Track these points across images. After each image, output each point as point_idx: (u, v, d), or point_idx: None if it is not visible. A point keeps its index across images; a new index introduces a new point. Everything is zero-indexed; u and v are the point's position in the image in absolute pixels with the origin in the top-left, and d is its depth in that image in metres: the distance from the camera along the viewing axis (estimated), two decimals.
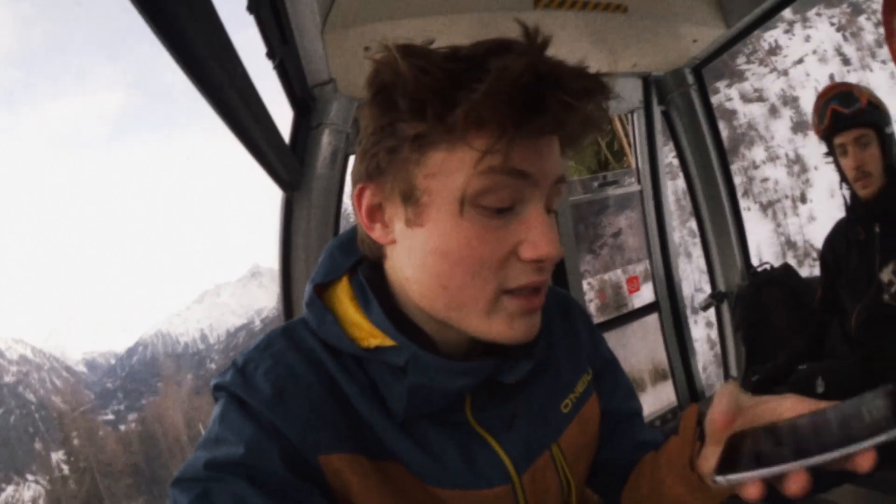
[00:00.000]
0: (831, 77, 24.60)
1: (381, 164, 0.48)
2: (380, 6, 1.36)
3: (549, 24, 1.48)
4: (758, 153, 26.69)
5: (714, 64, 2.19)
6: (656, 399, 2.30)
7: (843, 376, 1.53)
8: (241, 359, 0.52)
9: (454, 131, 0.44)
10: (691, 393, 2.34)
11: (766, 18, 1.84)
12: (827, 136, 1.57)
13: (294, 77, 1.32)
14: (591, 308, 2.43)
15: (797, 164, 24.92)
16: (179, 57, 0.67)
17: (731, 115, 27.38)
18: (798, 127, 25.18)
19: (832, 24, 26.17)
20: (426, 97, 0.43)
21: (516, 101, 0.42)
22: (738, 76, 28.16)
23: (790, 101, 26.31)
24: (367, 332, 0.51)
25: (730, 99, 27.92)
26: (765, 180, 25.74)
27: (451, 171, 0.45)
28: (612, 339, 2.17)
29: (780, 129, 26.32)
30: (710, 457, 0.46)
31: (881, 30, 1.44)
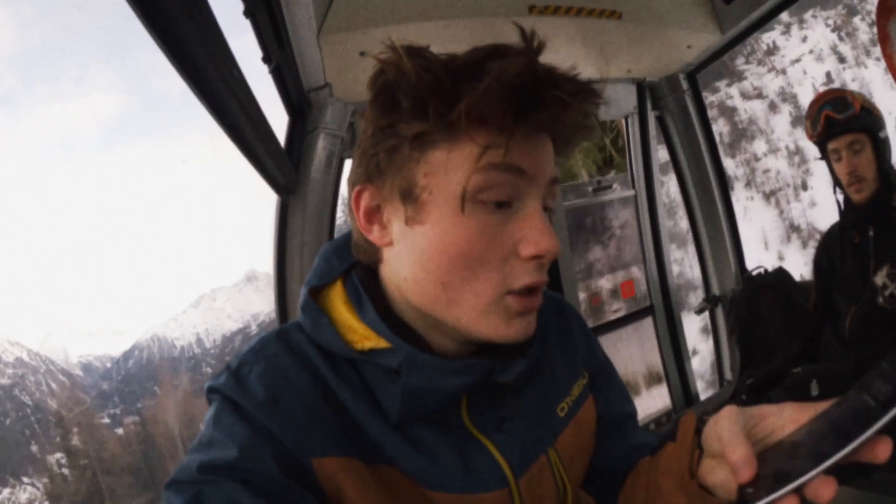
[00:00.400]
0: (828, 74, 25.29)
1: (380, 165, 0.49)
2: (375, 11, 1.37)
3: (544, 30, 1.48)
4: (759, 146, 27.36)
5: (713, 65, 2.20)
6: (651, 403, 2.30)
7: (837, 379, 1.53)
8: (236, 362, 0.52)
9: (455, 129, 0.45)
10: (686, 396, 2.34)
11: (761, 24, 1.84)
12: (821, 141, 1.59)
13: (290, 81, 1.32)
14: (584, 312, 2.42)
15: (797, 155, 25.46)
16: (177, 61, 0.68)
17: (732, 111, 28.02)
18: (797, 121, 25.73)
19: (828, 25, 26.66)
20: (428, 95, 0.44)
21: (515, 98, 0.43)
22: (738, 76, 28.69)
23: (789, 97, 26.90)
24: (361, 335, 0.52)
25: (730, 97, 28.47)
26: (766, 171, 26.41)
27: (451, 168, 0.46)
28: (607, 342, 2.17)
29: (780, 123, 26.99)
30: (715, 469, 0.47)
31: (875, 29, 1.45)
